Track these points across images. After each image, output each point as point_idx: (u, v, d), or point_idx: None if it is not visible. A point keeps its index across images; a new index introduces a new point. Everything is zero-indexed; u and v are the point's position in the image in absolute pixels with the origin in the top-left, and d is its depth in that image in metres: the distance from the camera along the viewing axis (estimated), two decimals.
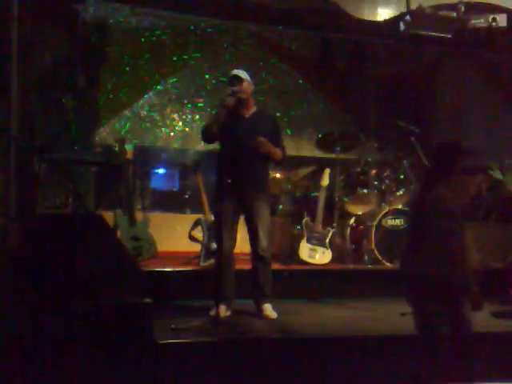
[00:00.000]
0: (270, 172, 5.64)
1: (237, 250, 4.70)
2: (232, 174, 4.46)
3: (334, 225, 6.16)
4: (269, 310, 4.54)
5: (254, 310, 4.61)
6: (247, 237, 4.65)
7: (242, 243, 4.83)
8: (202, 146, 6.43)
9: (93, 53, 6.41)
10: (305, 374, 3.72)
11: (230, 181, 4.41)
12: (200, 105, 6.96)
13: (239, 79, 4.56)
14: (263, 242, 4.52)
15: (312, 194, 6.43)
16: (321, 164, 6.58)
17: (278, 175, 6.52)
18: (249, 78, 4.62)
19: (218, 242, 4.49)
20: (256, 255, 4.56)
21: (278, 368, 3.70)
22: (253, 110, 4.69)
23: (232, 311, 4.57)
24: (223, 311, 4.40)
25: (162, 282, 5.02)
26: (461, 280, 3.29)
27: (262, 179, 4.68)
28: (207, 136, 4.64)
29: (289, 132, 7.20)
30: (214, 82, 6.94)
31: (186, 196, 6.95)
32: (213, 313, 4.23)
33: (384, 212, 6.12)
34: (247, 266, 4.73)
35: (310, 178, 6.77)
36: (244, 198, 4.54)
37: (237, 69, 4.67)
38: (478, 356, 3.88)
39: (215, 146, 4.85)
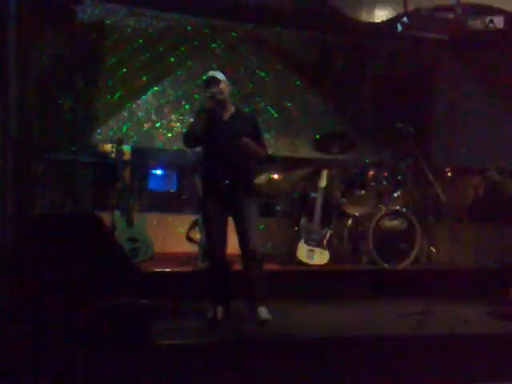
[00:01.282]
0: (269, 173, 5.61)
1: (234, 251, 4.67)
2: (216, 176, 4.41)
3: (332, 226, 6.16)
4: (262, 313, 4.37)
5: (249, 312, 4.55)
6: None
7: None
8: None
9: (90, 53, 6.40)
10: (302, 375, 3.72)
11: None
12: (197, 105, 6.94)
13: (216, 81, 4.47)
14: (252, 241, 4.40)
15: (310, 195, 6.43)
16: (318, 165, 6.57)
17: (276, 176, 6.51)
18: (225, 79, 4.52)
19: (209, 244, 4.48)
20: (245, 255, 4.44)
21: (275, 369, 3.70)
22: (231, 111, 4.58)
23: (229, 313, 4.55)
24: (220, 312, 4.39)
25: (159, 283, 5.01)
26: None
27: (247, 179, 4.59)
28: (190, 140, 4.52)
29: (287, 133, 7.20)
30: None
31: (184, 197, 6.94)
32: (210, 314, 4.22)
33: (382, 213, 6.12)
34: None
35: (308, 179, 6.76)
36: (230, 199, 4.44)
37: (213, 70, 4.61)
38: (478, 356, 3.89)
39: None
